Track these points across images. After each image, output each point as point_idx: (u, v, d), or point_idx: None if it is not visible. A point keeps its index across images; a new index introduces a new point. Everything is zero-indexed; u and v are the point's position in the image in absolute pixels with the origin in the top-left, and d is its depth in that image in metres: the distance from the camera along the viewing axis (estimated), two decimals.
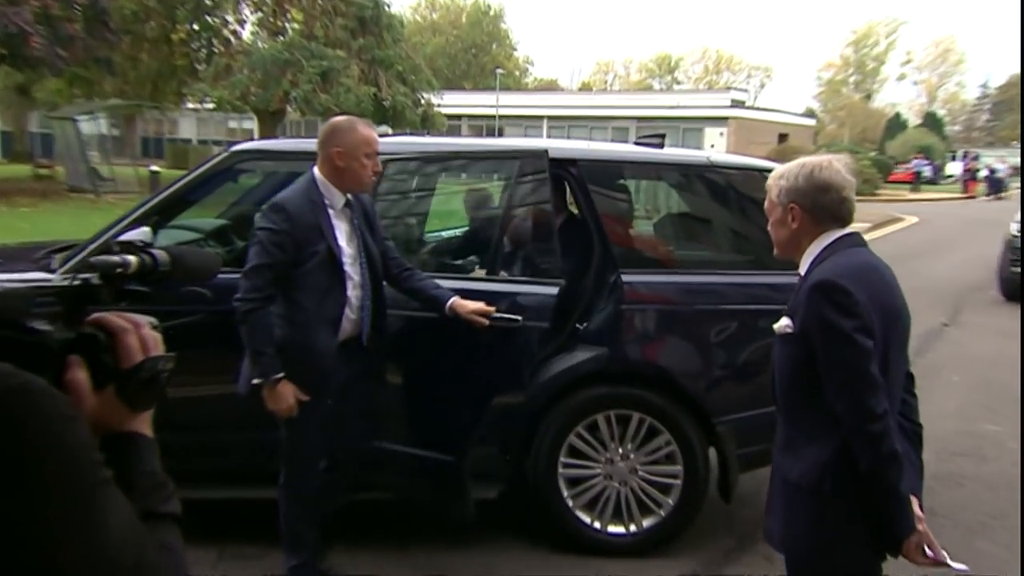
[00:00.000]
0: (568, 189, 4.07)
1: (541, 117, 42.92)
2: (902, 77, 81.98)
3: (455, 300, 3.21)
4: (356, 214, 3.10)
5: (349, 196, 3.07)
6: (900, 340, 2.09)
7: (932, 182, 43.53)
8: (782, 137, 38.89)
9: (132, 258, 1.06)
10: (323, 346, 2.98)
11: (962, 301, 10.61)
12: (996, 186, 35.86)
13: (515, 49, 67.28)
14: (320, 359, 2.98)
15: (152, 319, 1.01)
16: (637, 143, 4.28)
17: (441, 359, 3.40)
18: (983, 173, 37.79)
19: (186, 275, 1.13)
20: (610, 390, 3.70)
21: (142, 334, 0.99)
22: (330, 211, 3.01)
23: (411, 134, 6.78)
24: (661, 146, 4.12)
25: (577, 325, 3.79)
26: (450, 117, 30.64)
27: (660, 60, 79.29)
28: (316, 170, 3.05)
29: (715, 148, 34.56)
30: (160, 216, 3.76)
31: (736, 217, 3.99)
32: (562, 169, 3.81)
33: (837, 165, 2.16)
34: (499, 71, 44.57)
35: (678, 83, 79.73)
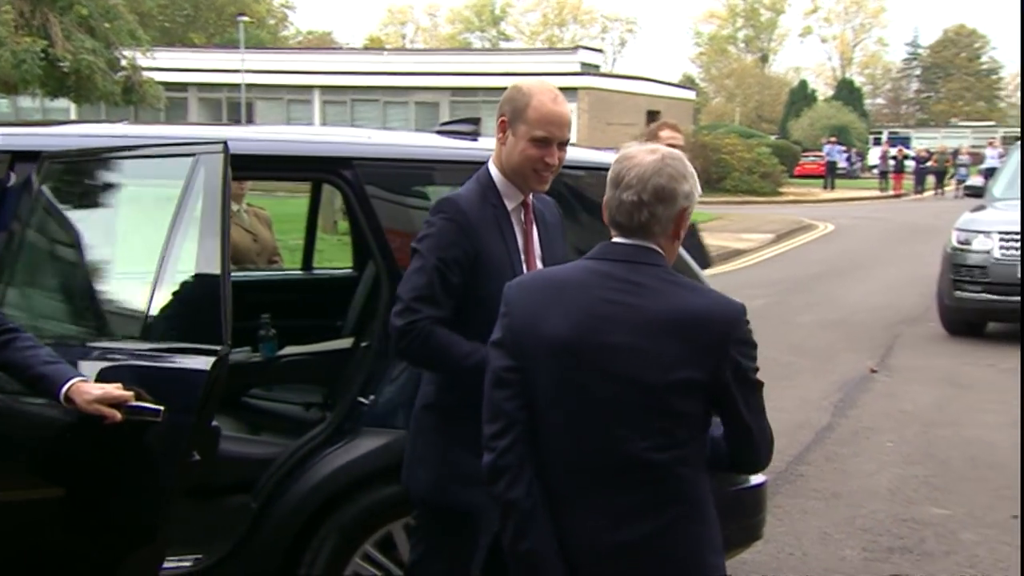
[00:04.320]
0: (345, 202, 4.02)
1: (311, 87, 42.58)
2: (806, 32, 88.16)
3: (75, 384, 2.96)
4: None
5: None
6: (564, 379, 2.38)
7: (850, 176, 46.88)
8: (651, 115, 40.61)
9: None
10: None
11: (893, 338, 11.34)
12: (922, 178, 39.44)
13: None
14: None
15: None
16: (441, 132, 4.31)
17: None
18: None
19: None
20: None
21: None
22: None
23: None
24: (476, 136, 4.12)
25: (360, 399, 3.78)
26: (170, 86, 29.84)
27: (479, 7, 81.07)
28: None
29: None
30: None
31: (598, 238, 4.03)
32: (330, 173, 3.81)
33: (643, 159, 2.42)
34: (242, 19, 43.83)
35: (506, 39, 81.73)
